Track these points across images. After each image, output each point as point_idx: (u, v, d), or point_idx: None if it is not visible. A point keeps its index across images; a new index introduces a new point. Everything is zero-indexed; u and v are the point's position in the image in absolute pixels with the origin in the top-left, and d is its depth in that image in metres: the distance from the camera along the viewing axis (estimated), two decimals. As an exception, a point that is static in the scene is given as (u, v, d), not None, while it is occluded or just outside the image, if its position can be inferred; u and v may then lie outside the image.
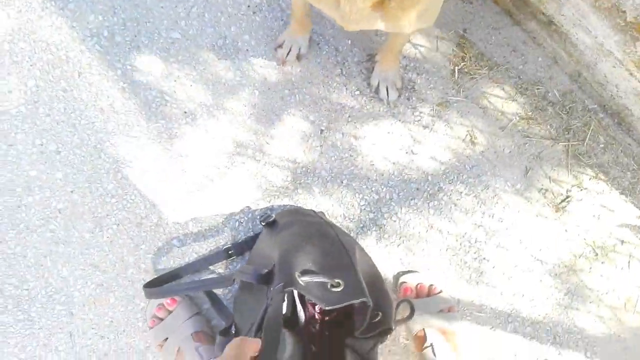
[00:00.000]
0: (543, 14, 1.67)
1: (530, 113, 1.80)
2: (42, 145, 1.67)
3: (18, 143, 1.67)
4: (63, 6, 1.70)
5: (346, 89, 1.77)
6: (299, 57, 1.75)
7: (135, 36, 1.71)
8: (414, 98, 1.78)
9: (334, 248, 1.27)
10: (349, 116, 1.76)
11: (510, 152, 1.78)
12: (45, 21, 1.69)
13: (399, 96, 1.77)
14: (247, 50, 1.75)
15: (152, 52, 1.71)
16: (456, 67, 1.79)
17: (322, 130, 1.75)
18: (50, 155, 1.67)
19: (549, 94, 1.81)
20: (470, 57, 1.79)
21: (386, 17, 1.12)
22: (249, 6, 1.76)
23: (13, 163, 1.67)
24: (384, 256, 1.70)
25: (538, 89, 1.80)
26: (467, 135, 1.78)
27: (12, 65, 1.68)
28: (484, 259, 1.71)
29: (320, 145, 1.75)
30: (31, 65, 1.69)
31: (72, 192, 1.67)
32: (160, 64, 1.71)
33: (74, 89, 1.69)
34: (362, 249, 1.47)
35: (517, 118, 1.79)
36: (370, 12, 1.10)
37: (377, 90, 1.76)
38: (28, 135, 1.67)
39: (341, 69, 1.77)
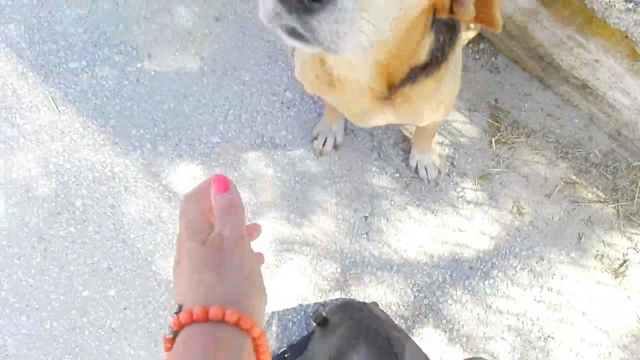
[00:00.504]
0: (575, 78, 1.67)
1: (574, 177, 1.77)
2: (93, 264, 1.70)
3: (70, 264, 1.70)
4: (104, 123, 1.75)
5: (385, 172, 1.77)
6: (335, 147, 1.76)
7: (177, 144, 1.75)
8: (454, 174, 1.78)
9: (382, 352, 1.25)
10: (392, 199, 1.76)
11: (559, 219, 1.75)
12: (89, 140, 1.74)
13: (439, 174, 1.77)
14: (284, 145, 1.78)
15: (194, 158, 1.75)
16: (493, 138, 1.79)
17: (366, 217, 1.75)
18: (102, 273, 1.69)
19: (591, 155, 1.78)
20: (505, 127, 1.79)
21: (396, 113, 1.08)
22: (282, 102, 1.79)
23: (66, 285, 1.69)
24: (444, 343, 1.66)
25: (579, 151, 1.78)
26: (513, 206, 1.76)
27: (59, 186, 1.73)
28: (549, 336, 1.66)
29: (366, 233, 1.74)
30: (77, 185, 1.73)
31: (125, 308, 1.68)
32: (203, 169, 1.74)
33: (121, 203, 1.73)
34: (414, 346, 1.43)
35: (562, 183, 1.77)
36: (378, 108, 1.06)
37: (416, 171, 1.76)
38: (79, 256, 1.70)
39: (378, 153, 1.78)
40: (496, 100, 1.80)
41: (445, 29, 0.90)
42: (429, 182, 1.77)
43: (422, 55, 0.90)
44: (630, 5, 1.29)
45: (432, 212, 1.75)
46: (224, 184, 0.60)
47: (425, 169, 1.75)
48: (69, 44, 1.75)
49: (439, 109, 1.16)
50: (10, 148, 1.73)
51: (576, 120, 1.79)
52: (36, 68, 1.74)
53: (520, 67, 1.80)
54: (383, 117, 1.12)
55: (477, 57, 1.79)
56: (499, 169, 1.77)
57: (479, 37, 1.77)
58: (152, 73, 1.75)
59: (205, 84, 1.77)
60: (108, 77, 1.75)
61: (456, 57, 1.01)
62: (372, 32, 0.56)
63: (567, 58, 1.58)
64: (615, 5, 1.30)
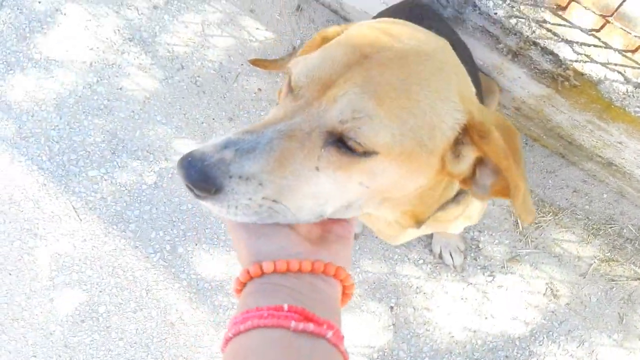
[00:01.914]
0: (600, 157, 1.61)
1: (609, 254, 1.69)
2: (118, 373, 1.67)
3: (95, 374, 1.68)
4: (124, 228, 1.76)
5: (408, 259, 1.72)
6: (355, 236, 1.73)
7: (197, 244, 1.74)
8: (481, 257, 1.71)
9: None
10: (417, 287, 1.70)
11: (597, 300, 1.66)
12: (109, 246, 1.75)
13: (465, 258, 1.71)
14: (303, 237, 1.75)
15: (214, 257, 1.73)
16: (518, 218, 1.72)
17: (392, 307, 1.69)
18: (127, 383, 1.67)
19: (624, 231, 1.70)
20: (531, 206, 1.73)
21: (424, 231, 1.06)
22: (299, 195, 1.78)
23: (93, 396, 1.67)
24: None
25: (611, 227, 1.71)
26: (546, 288, 1.68)
27: (82, 294, 1.73)
28: None
29: (393, 324, 1.68)
30: (100, 292, 1.73)
31: (152, 419, 1.64)
32: (223, 267, 1.73)
33: (143, 308, 1.71)
34: None
35: (597, 261, 1.68)
36: (406, 232, 1.00)
37: (440, 256, 1.71)
38: (104, 365, 1.68)
39: (400, 240, 1.74)
40: (518, 179, 1.75)
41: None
42: (454, 267, 1.71)
43: (451, 193, 0.87)
44: (650, 95, 1.25)
45: (462, 299, 1.68)
46: None
47: (450, 254, 1.69)
48: (88, 153, 1.78)
49: (468, 221, 1.13)
50: (34, 259, 1.75)
51: (605, 196, 1.72)
52: (57, 178, 1.78)
53: (540, 145, 1.75)
54: (412, 235, 1.10)
55: (495, 136, 1.76)
56: (528, 250, 1.70)
57: (495, 118, 1.74)
58: (170, 175, 1.77)
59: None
60: (127, 183, 1.77)
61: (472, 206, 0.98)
62: (303, 215, 0.61)
63: (588, 139, 1.54)
64: (634, 95, 1.26)
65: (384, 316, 1.69)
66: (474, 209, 1.07)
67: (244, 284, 0.56)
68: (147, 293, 1.73)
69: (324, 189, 0.62)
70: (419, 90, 0.58)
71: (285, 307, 0.50)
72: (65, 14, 1.89)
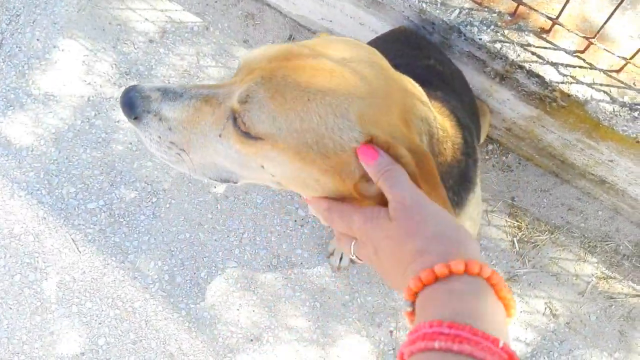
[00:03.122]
0: (592, 174, 1.62)
1: (606, 271, 1.69)
2: (119, 406, 1.66)
3: (96, 407, 1.67)
4: (123, 259, 1.77)
5: (407, 282, 1.72)
6: (353, 261, 1.73)
7: (195, 273, 1.75)
8: (479, 278, 1.71)
9: None
10: (417, 310, 1.69)
11: (597, 318, 1.65)
12: (109, 277, 1.76)
13: (464, 279, 1.71)
14: (301, 263, 1.76)
15: (212, 286, 1.74)
16: (514, 238, 1.73)
17: (391, 332, 1.69)
18: (128, 416, 1.65)
19: (620, 247, 1.71)
20: (526, 225, 1.74)
21: None
22: (295, 221, 1.79)
23: None
24: None
25: (607, 244, 1.71)
26: (546, 307, 1.67)
27: (82, 327, 1.73)
28: None
29: (393, 348, 1.67)
30: (100, 324, 1.73)
31: None
32: (222, 296, 1.73)
33: (142, 339, 1.71)
34: None
35: (595, 279, 1.68)
36: None
37: (439, 278, 1.71)
38: (105, 398, 1.67)
39: (398, 263, 1.74)
40: (513, 199, 1.76)
41: (455, 189, 0.88)
42: (453, 289, 1.70)
43: None
44: (636, 114, 1.27)
45: (461, 321, 1.68)
46: (372, 151, 0.62)
47: (448, 276, 1.69)
48: (86, 186, 1.81)
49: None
50: (34, 292, 1.76)
51: (600, 213, 1.73)
52: (56, 212, 1.80)
53: (533, 164, 1.77)
54: None
55: (487, 157, 1.78)
56: (525, 270, 1.71)
57: (487, 139, 1.76)
58: (168, 206, 1.79)
59: (220, 210, 1.79)
60: (125, 215, 1.79)
61: (471, 208, 0.98)
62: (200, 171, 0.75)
63: (580, 158, 1.55)
64: (620, 115, 1.28)
65: (384, 340, 1.68)
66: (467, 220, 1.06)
67: (416, 293, 0.51)
68: (146, 324, 1.73)
69: (225, 157, 0.72)
70: (314, 100, 0.64)
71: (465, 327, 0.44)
72: (62, 50, 1.93)
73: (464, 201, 0.93)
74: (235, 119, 0.67)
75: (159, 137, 0.72)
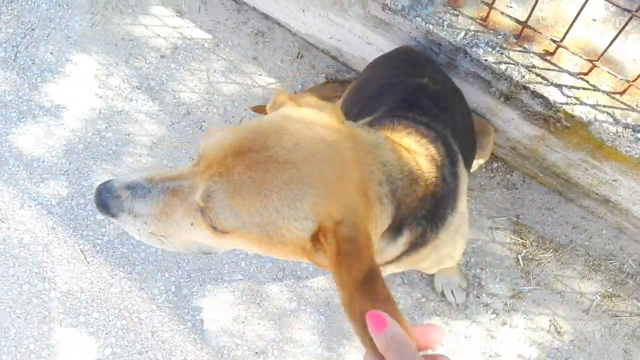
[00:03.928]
0: (596, 193, 1.64)
1: (610, 289, 1.70)
2: (123, 417, 1.67)
3: (101, 418, 1.68)
4: (130, 270, 1.79)
5: (411, 297, 1.73)
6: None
7: (201, 285, 1.77)
8: (483, 295, 1.72)
9: None
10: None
11: (601, 336, 1.66)
12: (116, 288, 1.78)
13: (467, 296, 1.72)
14: (306, 276, 1.77)
15: (218, 298, 1.75)
16: (519, 255, 1.74)
17: (396, 347, 1.69)
18: None
19: (625, 266, 1.71)
20: (531, 243, 1.75)
21: (399, 266, 1.06)
22: (302, 235, 1.81)
23: None
24: None
25: (612, 262, 1.72)
26: (550, 325, 1.68)
27: (89, 337, 1.75)
28: None
29: (398, 364, 1.67)
30: (106, 334, 1.75)
31: None
32: (228, 308, 1.74)
33: (148, 350, 1.73)
34: None
35: (599, 297, 1.69)
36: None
37: (443, 295, 1.72)
38: (110, 409, 1.68)
39: (402, 278, 1.75)
40: (517, 217, 1.78)
41: (428, 218, 0.91)
42: (457, 305, 1.72)
43: (387, 257, 0.91)
44: (639, 135, 1.29)
45: (465, 338, 1.69)
46: (379, 320, 0.57)
47: (452, 292, 1.71)
48: (96, 197, 1.83)
49: (441, 264, 1.15)
50: (42, 302, 1.78)
51: (604, 231, 1.74)
52: (65, 222, 1.82)
53: (538, 182, 1.79)
54: (391, 270, 1.12)
55: (492, 175, 1.80)
56: (530, 287, 1.72)
57: (492, 157, 1.78)
58: (175, 218, 1.81)
59: (226, 223, 1.81)
60: (133, 226, 1.81)
61: (450, 234, 1.00)
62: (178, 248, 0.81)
63: (584, 177, 1.57)
64: (623, 135, 1.30)
65: (388, 356, 1.69)
66: (443, 254, 1.08)
67: None
68: (152, 335, 1.74)
69: (202, 240, 0.77)
70: (270, 195, 0.68)
71: None
72: (75, 64, 1.97)
73: (439, 228, 0.96)
74: (203, 212, 0.72)
75: (138, 230, 0.78)
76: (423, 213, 0.89)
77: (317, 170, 0.69)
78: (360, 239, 0.66)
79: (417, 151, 0.92)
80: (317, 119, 0.77)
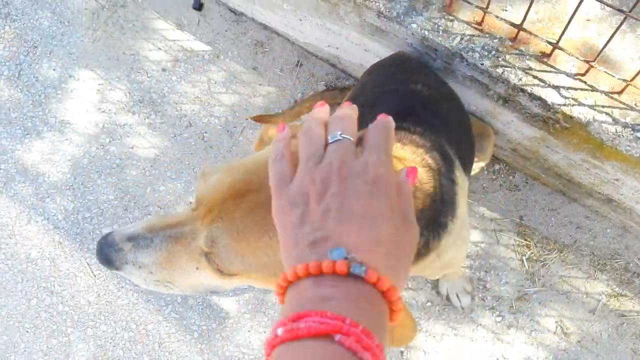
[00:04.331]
0: (599, 193, 1.63)
1: (617, 289, 1.69)
2: None
3: None
4: (137, 282, 1.80)
5: (416, 302, 1.73)
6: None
7: (207, 295, 1.78)
8: (488, 297, 1.72)
9: None
10: (426, 330, 1.70)
11: (609, 336, 1.65)
12: (123, 300, 1.79)
13: (473, 299, 1.72)
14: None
15: (223, 308, 1.76)
16: (524, 257, 1.74)
17: (402, 352, 1.69)
18: None
19: (630, 265, 1.71)
20: (535, 244, 1.75)
21: None
22: (305, 242, 1.82)
23: None
24: None
25: (617, 262, 1.71)
26: (557, 326, 1.67)
27: (97, 349, 1.76)
28: None
29: (405, 369, 1.68)
30: (114, 346, 1.76)
31: None
32: (233, 317, 1.75)
33: (156, 361, 1.74)
34: None
35: (605, 297, 1.68)
36: None
37: (448, 298, 1.72)
38: (119, 421, 1.69)
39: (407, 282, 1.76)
40: (521, 218, 1.78)
41: (429, 227, 0.92)
42: (462, 309, 1.72)
43: None
44: (638, 134, 1.29)
45: (471, 341, 1.68)
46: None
47: (457, 295, 1.70)
48: (101, 211, 1.85)
49: (445, 270, 1.16)
50: (50, 316, 1.79)
51: (609, 231, 1.74)
52: (72, 236, 1.84)
53: (540, 183, 1.79)
54: None
55: (494, 177, 1.80)
56: (535, 289, 1.71)
57: (493, 159, 1.78)
58: (179, 229, 1.82)
59: (230, 233, 1.82)
60: (138, 238, 1.82)
61: (451, 240, 1.00)
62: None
63: (586, 177, 1.57)
64: (623, 135, 1.30)
65: (395, 361, 1.69)
66: (446, 260, 1.09)
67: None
68: (159, 346, 1.75)
69: (209, 282, 0.77)
70: (273, 238, 0.66)
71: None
72: (78, 80, 2.00)
73: (441, 236, 0.97)
74: (207, 256, 0.72)
75: (144, 280, 0.78)
76: (423, 223, 0.90)
77: None
78: None
79: (414, 160, 0.93)
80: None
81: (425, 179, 0.91)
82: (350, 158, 0.49)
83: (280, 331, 0.40)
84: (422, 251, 0.93)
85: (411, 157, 0.93)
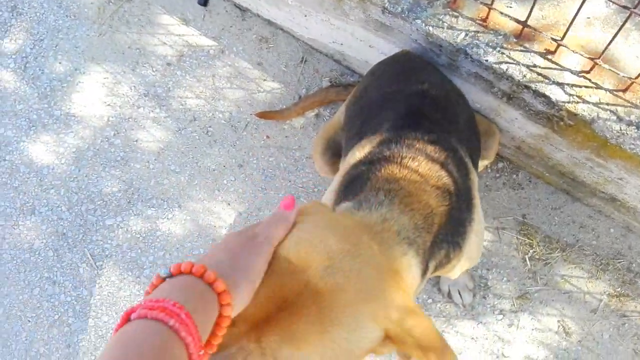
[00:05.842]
0: (603, 192, 1.63)
1: (619, 289, 1.68)
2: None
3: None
4: (139, 274, 1.81)
5: (417, 299, 1.73)
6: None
7: (207, 289, 1.78)
8: (490, 296, 1.72)
9: None
10: (428, 327, 1.70)
11: (610, 336, 1.64)
12: (124, 292, 1.80)
13: (474, 297, 1.71)
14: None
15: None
16: (526, 256, 1.74)
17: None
18: None
19: (633, 265, 1.70)
20: (537, 243, 1.74)
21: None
22: (307, 237, 1.82)
23: None
24: None
25: (619, 261, 1.71)
26: (558, 325, 1.67)
27: (98, 340, 1.77)
28: None
29: (405, 366, 1.67)
30: (116, 338, 1.76)
31: None
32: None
33: None
34: None
35: (607, 297, 1.68)
36: None
37: (449, 296, 1.72)
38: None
39: (409, 280, 1.75)
40: (524, 217, 1.77)
41: (449, 239, 0.92)
42: (464, 306, 1.71)
43: (419, 288, 0.92)
44: (642, 132, 1.29)
45: (472, 339, 1.68)
46: (291, 204, 0.73)
47: (459, 293, 1.70)
48: (105, 203, 1.86)
49: (468, 264, 1.16)
50: (53, 305, 1.80)
51: (612, 230, 1.73)
52: (75, 227, 1.85)
53: (544, 182, 1.78)
54: None
55: (497, 175, 1.79)
56: (537, 287, 1.71)
57: (497, 157, 1.78)
58: (183, 222, 1.83)
59: (233, 227, 1.83)
60: (142, 230, 1.83)
61: (471, 242, 1.01)
62: None
63: (589, 176, 1.56)
64: (627, 133, 1.29)
65: (394, 359, 1.68)
66: (470, 251, 1.09)
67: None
68: (161, 338, 1.76)
69: None
70: (332, 330, 0.65)
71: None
72: (83, 73, 2.01)
73: (462, 245, 0.98)
74: None
75: None
76: (441, 238, 0.90)
77: (360, 282, 0.68)
78: (417, 316, 0.68)
79: (429, 181, 0.93)
80: (315, 234, 0.73)
81: (441, 195, 0.91)
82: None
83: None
84: (444, 262, 0.94)
85: (427, 177, 0.93)
